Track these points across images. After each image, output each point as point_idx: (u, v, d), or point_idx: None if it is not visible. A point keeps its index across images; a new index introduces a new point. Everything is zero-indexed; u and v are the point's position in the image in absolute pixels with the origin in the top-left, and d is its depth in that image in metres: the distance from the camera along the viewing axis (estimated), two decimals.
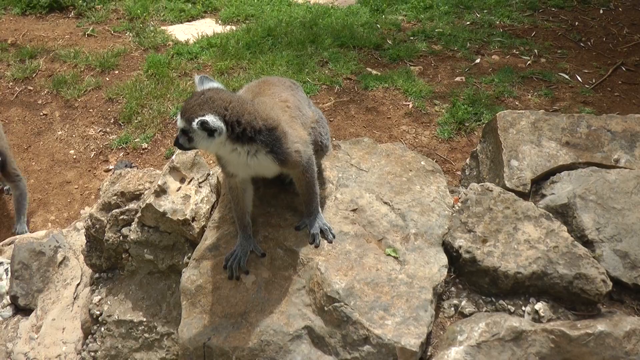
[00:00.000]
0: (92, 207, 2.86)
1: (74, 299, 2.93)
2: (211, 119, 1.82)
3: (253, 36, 6.63)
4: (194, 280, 2.23)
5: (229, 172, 2.13)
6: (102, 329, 2.62)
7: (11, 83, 5.96)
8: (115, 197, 2.68)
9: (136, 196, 2.66)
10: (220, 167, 2.19)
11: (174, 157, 2.60)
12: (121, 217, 2.63)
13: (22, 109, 5.61)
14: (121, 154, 5.02)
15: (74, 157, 5.07)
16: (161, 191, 2.49)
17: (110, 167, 4.86)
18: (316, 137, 2.31)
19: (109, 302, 2.64)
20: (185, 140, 1.91)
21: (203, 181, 2.60)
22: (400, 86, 5.61)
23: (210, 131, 1.84)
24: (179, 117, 1.92)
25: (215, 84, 2.00)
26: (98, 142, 5.19)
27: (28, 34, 6.92)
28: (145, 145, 5.06)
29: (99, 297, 2.68)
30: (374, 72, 5.98)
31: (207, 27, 7.15)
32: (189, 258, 2.42)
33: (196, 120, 1.82)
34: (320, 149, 2.36)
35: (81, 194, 4.66)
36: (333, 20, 7.14)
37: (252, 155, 1.99)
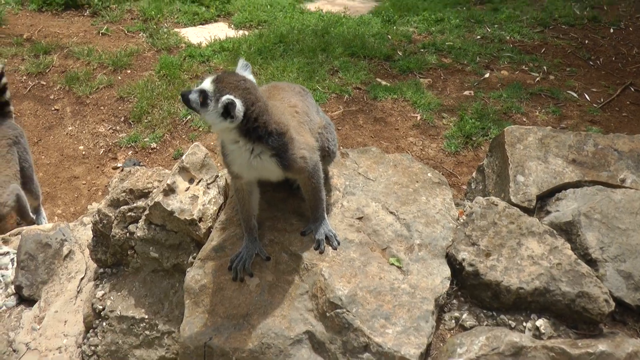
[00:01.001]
0: (100, 203, 2.88)
1: (78, 292, 2.96)
2: (239, 106, 1.85)
3: (265, 42, 6.69)
4: (198, 280, 2.25)
5: (233, 172, 2.15)
6: (104, 323, 2.64)
7: (25, 77, 6.03)
8: (123, 194, 2.71)
9: (144, 194, 2.69)
10: (225, 166, 2.20)
11: (183, 157, 2.63)
12: (129, 214, 2.65)
13: (34, 103, 5.67)
14: (130, 153, 5.06)
15: (83, 153, 5.11)
16: (170, 190, 2.52)
17: (119, 164, 4.90)
18: (323, 142, 2.34)
19: (112, 298, 2.66)
20: (197, 101, 1.90)
21: (211, 182, 2.63)
22: (409, 98, 5.64)
23: (228, 113, 1.86)
24: (209, 80, 1.92)
25: (253, 80, 2.04)
26: (107, 140, 5.23)
27: (43, 30, 7.00)
28: (154, 145, 5.10)
29: (103, 292, 2.70)
30: (384, 82, 6.02)
31: (220, 31, 7.22)
32: (194, 258, 2.44)
33: (225, 97, 1.85)
34: (327, 155, 2.39)
35: (88, 190, 4.70)
36: (344, 29, 7.20)
37: (255, 155, 2.02)
